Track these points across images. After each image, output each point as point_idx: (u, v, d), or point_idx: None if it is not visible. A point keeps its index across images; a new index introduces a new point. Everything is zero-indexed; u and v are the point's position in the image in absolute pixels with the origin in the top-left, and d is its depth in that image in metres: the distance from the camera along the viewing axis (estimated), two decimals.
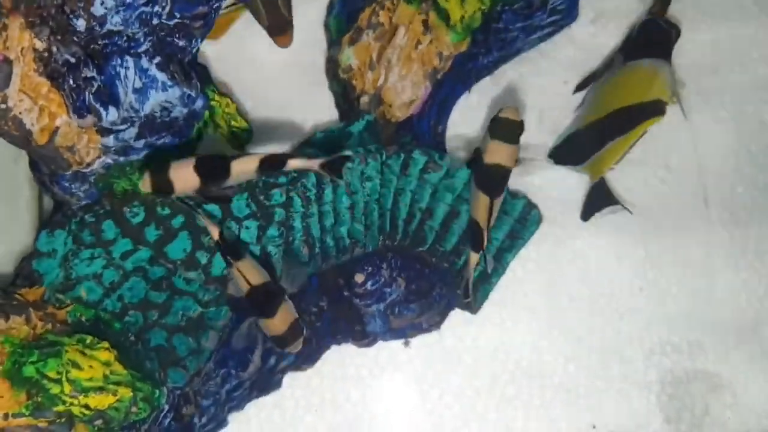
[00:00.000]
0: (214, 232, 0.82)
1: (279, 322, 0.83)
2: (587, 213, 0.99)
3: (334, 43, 0.97)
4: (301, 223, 0.88)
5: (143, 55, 0.77)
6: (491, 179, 0.87)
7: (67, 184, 0.82)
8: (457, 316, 0.97)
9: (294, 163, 0.82)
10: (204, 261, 0.85)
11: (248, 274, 0.82)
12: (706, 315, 1.01)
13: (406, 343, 0.98)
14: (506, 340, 0.99)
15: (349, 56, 0.93)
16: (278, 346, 0.85)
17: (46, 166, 0.81)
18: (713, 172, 1.03)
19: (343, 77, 0.94)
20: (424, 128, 0.97)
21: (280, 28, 0.90)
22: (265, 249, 0.86)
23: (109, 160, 0.81)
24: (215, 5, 0.79)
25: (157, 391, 0.81)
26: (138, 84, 0.77)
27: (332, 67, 0.96)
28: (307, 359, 0.94)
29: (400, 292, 0.92)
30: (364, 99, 0.94)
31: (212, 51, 0.93)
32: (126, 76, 0.76)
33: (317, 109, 0.98)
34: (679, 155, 1.03)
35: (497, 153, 0.87)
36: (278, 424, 0.96)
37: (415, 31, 0.92)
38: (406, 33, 0.92)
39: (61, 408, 0.75)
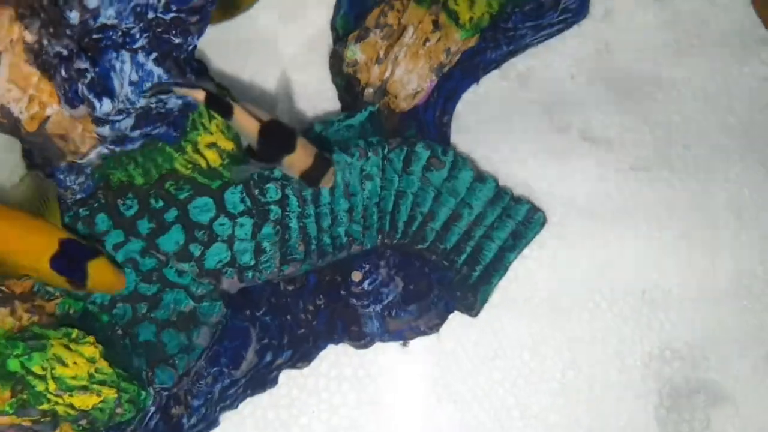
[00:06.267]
0: (199, 95, 0.76)
1: (303, 155, 0.78)
2: None
3: (339, 39, 0.95)
4: (298, 223, 0.86)
5: (139, 51, 0.74)
6: None
7: (62, 177, 0.80)
8: (456, 318, 0.95)
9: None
10: (197, 253, 0.83)
11: (252, 113, 0.77)
12: (709, 321, 0.99)
13: (405, 344, 0.95)
14: (506, 344, 0.97)
15: (355, 51, 0.91)
16: (309, 184, 0.80)
17: (39, 154, 0.78)
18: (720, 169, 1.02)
19: (348, 71, 0.92)
20: (429, 118, 0.96)
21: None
22: (261, 245, 0.84)
23: (106, 150, 0.78)
24: None
25: (144, 393, 0.79)
26: (134, 77, 0.75)
27: (336, 62, 0.94)
28: (303, 357, 0.92)
29: (397, 292, 0.90)
30: (369, 91, 0.92)
31: (213, 50, 0.91)
32: (122, 69, 0.74)
33: (319, 101, 0.97)
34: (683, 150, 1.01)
35: None
36: (273, 424, 0.93)
37: (424, 30, 0.91)
38: (415, 32, 0.91)
39: (46, 406, 0.73)
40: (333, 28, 0.98)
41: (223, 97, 0.78)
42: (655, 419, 0.97)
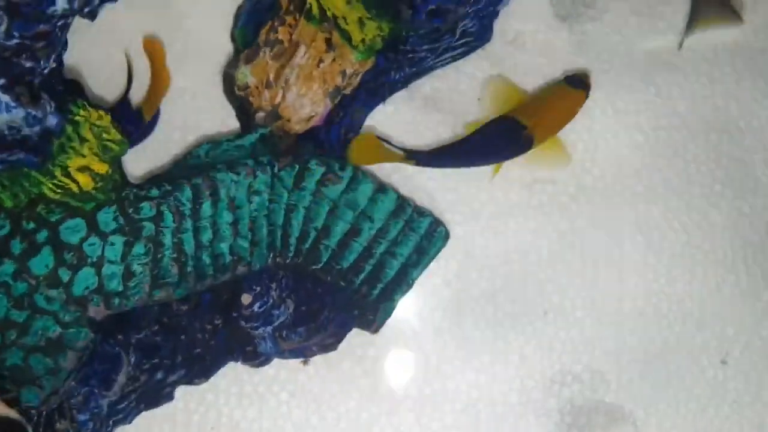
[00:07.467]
0: None
1: None
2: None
3: (238, 53, 0.94)
4: (172, 240, 0.85)
5: None
6: None
7: None
8: (357, 335, 0.95)
9: None
10: (66, 279, 0.83)
11: None
12: (612, 342, 0.99)
13: (305, 363, 0.96)
14: (407, 362, 0.98)
15: (246, 74, 0.90)
16: None
17: None
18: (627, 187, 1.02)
19: (240, 94, 0.91)
20: (333, 137, 0.95)
21: None
22: (130, 268, 0.84)
23: None
24: (59, 23, 0.75)
25: None
26: None
27: (228, 83, 0.93)
28: (200, 374, 0.92)
29: (288, 314, 0.89)
30: (260, 115, 0.91)
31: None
32: None
33: (224, 118, 0.96)
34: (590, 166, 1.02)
35: None
36: None
37: (318, 50, 0.90)
38: (307, 51, 0.90)
39: None
40: (232, 38, 0.96)
41: None
42: None
